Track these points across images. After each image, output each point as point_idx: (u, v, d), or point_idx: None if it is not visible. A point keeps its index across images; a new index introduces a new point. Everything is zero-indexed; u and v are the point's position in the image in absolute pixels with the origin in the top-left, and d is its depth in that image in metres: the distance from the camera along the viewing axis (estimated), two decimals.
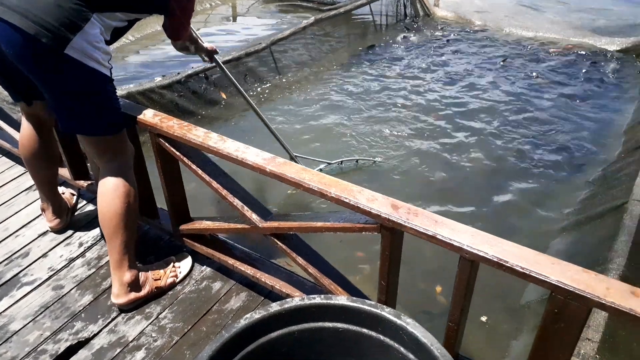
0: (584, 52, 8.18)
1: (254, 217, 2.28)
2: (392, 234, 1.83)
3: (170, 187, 2.60)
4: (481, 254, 1.61)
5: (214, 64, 3.27)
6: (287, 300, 2.00)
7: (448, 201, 4.44)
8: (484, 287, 2.66)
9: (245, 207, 2.30)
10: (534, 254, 1.60)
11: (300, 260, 2.24)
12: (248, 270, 2.55)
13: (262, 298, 2.62)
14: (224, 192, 2.34)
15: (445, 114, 6.07)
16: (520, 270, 1.55)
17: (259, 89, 6.34)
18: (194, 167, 2.39)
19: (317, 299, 2.01)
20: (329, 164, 4.80)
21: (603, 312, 2.48)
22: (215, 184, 2.36)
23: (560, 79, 7.17)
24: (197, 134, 2.25)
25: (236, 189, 2.38)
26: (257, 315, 1.85)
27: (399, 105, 6.25)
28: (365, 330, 2.02)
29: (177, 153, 2.39)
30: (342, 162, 4.94)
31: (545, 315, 1.59)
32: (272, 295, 2.58)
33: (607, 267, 2.76)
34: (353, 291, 2.24)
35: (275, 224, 2.23)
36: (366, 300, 1.98)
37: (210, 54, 3.22)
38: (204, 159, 2.46)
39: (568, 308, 1.52)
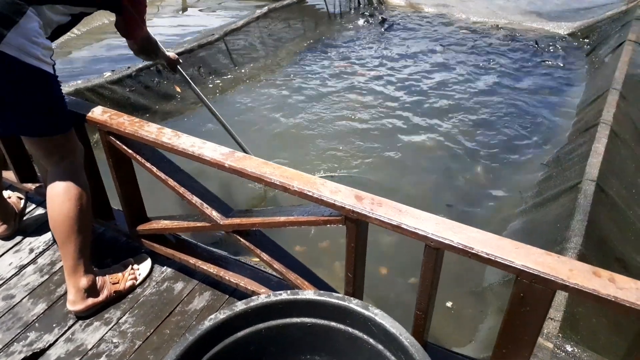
0: (533, 36, 8.41)
1: (214, 214, 2.21)
2: (357, 226, 1.80)
3: (124, 186, 2.49)
4: (446, 241, 1.60)
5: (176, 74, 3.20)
6: (253, 298, 1.95)
7: (403, 192, 4.45)
8: (447, 273, 2.69)
9: (205, 205, 2.23)
10: (497, 238, 1.60)
11: (264, 256, 2.19)
12: (211, 269, 2.48)
13: (227, 296, 2.55)
14: (181, 189, 2.25)
15: (398, 99, 6.11)
16: (486, 256, 1.55)
17: (213, 83, 6.14)
18: (148, 165, 2.28)
19: (284, 295, 1.97)
20: None
21: (563, 292, 2.55)
22: (171, 181, 2.27)
23: (509, 62, 7.34)
24: (150, 130, 2.15)
25: (194, 186, 2.30)
26: (221, 315, 1.79)
27: (354, 93, 6.24)
28: (333, 324, 2.00)
29: (130, 151, 2.28)
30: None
31: (512, 299, 1.60)
32: (237, 293, 2.52)
33: (565, 247, 2.84)
34: (320, 284, 2.21)
35: (236, 220, 2.16)
36: (333, 294, 1.95)
37: (173, 63, 3.12)
38: (159, 156, 2.35)
39: (533, 291, 1.53)
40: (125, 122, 2.20)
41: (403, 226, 1.67)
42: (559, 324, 2.31)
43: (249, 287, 2.37)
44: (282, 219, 2.01)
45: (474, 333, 2.93)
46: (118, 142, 2.28)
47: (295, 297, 1.99)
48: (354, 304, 1.90)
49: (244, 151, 3.94)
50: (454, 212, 4.10)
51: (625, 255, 3.23)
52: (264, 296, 1.95)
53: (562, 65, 7.36)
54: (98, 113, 2.29)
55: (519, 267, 1.51)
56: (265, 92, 6.07)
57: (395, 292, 3.35)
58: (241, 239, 2.21)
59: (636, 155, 4.39)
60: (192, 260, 2.52)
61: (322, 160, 4.81)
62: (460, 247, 1.59)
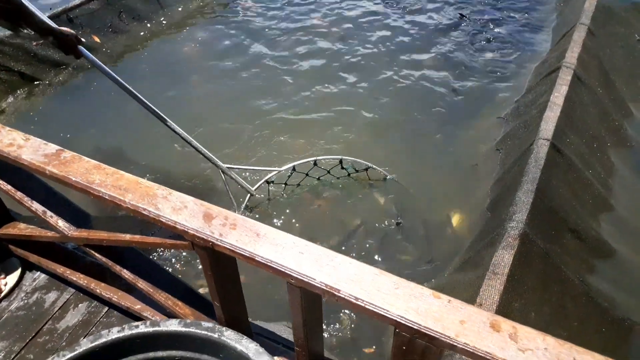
0: None
1: (61, 224, 1.78)
2: (207, 253, 1.39)
3: None
4: (306, 279, 1.21)
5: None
6: (102, 333, 1.60)
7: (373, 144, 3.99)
8: None
9: (49, 213, 1.79)
10: (375, 274, 1.21)
11: (126, 273, 1.79)
12: (81, 279, 2.08)
13: (106, 308, 2.17)
14: (18, 194, 1.81)
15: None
16: (354, 301, 1.17)
17: (138, 31, 5.28)
18: None
19: (142, 328, 1.61)
20: (279, 171, 3.40)
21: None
22: (4, 184, 1.81)
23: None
24: None
25: (36, 189, 1.85)
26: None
27: (316, 43, 5.55)
28: (205, 357, 1.66)
29: None
30: (294, 168, 3.44)
31: (394, 350, 1.23)
32: (115, 306, 2.13)
33: (506, 227, 2.47)
34: (199, 305, 1.83)
35: (85, 233, 1.74)
36: (203, 323, 1.59)
37: (66, 42, 2.37)
38: None
39: (415, 347, 1.16)
40: None
41: (257, 258, 1.27)
42: None
43: (122, 302, 1.98)
44: (128, 237, 1.59)
45: None
46: None
47: (155, 329, 1.63)
48: (225, 337, 1.56)
49: (209, 160, 3.06)
50: (409, 176, 3.63)
51: (580, 225, 2.89)
52: (116, 329, 1.59)
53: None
54: None
55: (395, 317, 1.13)
56: (202, 36, 5.35)
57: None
58: (96, 254, 1.80)
59: (601, 103, 3.97)
60: (60, 270, 2.12)
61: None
62: (324, 287, 1.20)
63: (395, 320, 1.13)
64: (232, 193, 3.27)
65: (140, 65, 4.93)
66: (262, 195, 3.52)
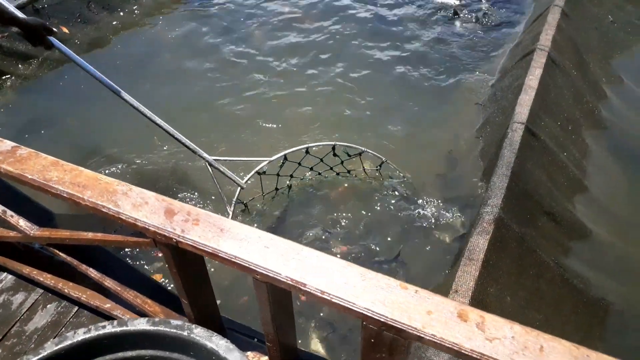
0: None
1: (22, 223, 1.72)
2: (170, 250, 1.34)
3: None
4: (271, 274, 1.18)
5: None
6: (67, 335, 1.55)
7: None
8: None
9: (9, 212, 1.73)
10: (341, 266, 1.18)
11: (92, 272, 1.74)
12: (48, 279, 2.02)
13: (76, 308, 2.11)
14: None
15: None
16: (320, 295, 1.14)
17: (109, 21, 5.08)
18: None
19: (109, 328, 1.57)
20: (270, 161, 3.18)
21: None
22: None
23: None
24: None
25: None
26: None
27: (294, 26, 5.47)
28: (176, 355, 1.62)
29: None
30: (285, 157, 3.23)
31: (363, 343, 1.21)
32: (85, 305, 2.08)
33: (482, 213, 2.47)
34: (169, 302, 1.79)
35: (47, 232, 1.68)
36: (172, 321, 1.55)
37: (35, 32, 2.22)
38: None
39: (384, 339, 1.14)
40: None
41: (221, 254, 1.23)
42: None
43: (91, 302, 1.93)
44: (90, 235, 1.54)
45: None
46: None
47: (123, 329, 1.58)
48: (195, 334, 1.52)
49: (192, 151, 2.85)
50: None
51: (555, 207, 2.91)
52: (82, 330, 1.55)
53: None
54: None
55: (361, 310, 1.10)
56: (175, 26, 5.21)
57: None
58: (61, 253, 1.75)
59: (575, 85, 3.99)
60: (27, 270, 2.06)
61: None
62: (290, 282, 1.17)
63: (362, 313, 1.11)
64: (220, 187, 3.02)
65: (111, 56, 4.80)
66: (255, 190, 3.34)
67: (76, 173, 1.42)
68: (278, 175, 3.32)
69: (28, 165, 1.44)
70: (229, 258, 1.22)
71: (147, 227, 1.29)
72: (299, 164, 3.35)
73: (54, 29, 2.38)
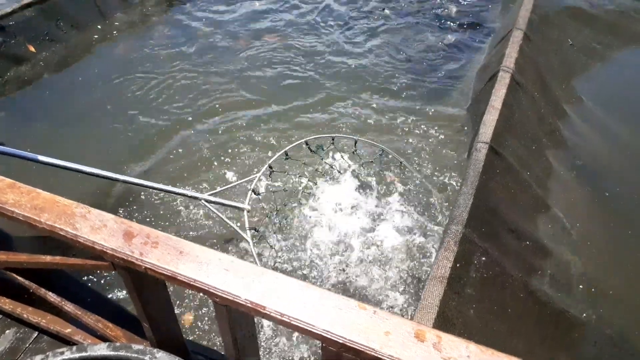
0: None
1: None
2: (129, 273, 1.33)
3: None
4: (231, 297, 1.17)
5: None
6: None
7: None
8: None
9: None
10: (300, 288, 1.19)
11: (51, 296, 1.70)
12: (9, 305, 1.96)
13: (36, 333, 2.06)
14: None
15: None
16: (280, 317, 1.14)
17: (77, 41, 4.99)
18: None
19: (67, 354, 1.52)
20: (259, 175, 3.14)
21: None
22: None
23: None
24: None
25: None
26: None
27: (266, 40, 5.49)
28: None
29: None
30: (286, 154, 3.32)
31: None
32: (45, 330, 2.02)
33: (447, 231, 2.52)
34: (132, 325, 1.75)
35: (3, 256, 1.64)
36: (133, 346, 1.51)
37: None
38: None
39: None
40: None
41: (180, 277, 1.22)
42: None
43: (51, 327, 1.88)
44: (49, 258, 1.51)
45: None
46: None
47: (82, 354, 1.55)
48: (157, 358, 1.49)
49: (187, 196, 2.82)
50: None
51: (519, 225, 2.98)
52: (39, 357, 1.50)
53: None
54: None
55: (320, 332, 1.11)
56: (144, 44, 5.16)
57: None
58: (18, 277, 1.70)
59: (538, 105, 4.12)
60: None
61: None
62: (250, 304, 1.16)
63: (321, 335, 1.11)
64: (227, 220, 2.89)
65: (80, 75, 4.74)
66: (263, 206, 3.39)
67: (33, 195, 1.40)
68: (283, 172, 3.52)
69: None
70: (188, 281, 1.21)
71: (105, 250, 1.27)
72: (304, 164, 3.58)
73: None
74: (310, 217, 3.39)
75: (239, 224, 2.96)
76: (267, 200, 3.48)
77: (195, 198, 2.85)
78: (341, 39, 5.77)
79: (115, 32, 5.45)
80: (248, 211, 2.97)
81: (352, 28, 6.06)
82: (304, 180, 3.67)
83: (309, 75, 5.00)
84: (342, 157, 3.84)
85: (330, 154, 3.87)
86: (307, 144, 3.43)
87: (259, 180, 3.16)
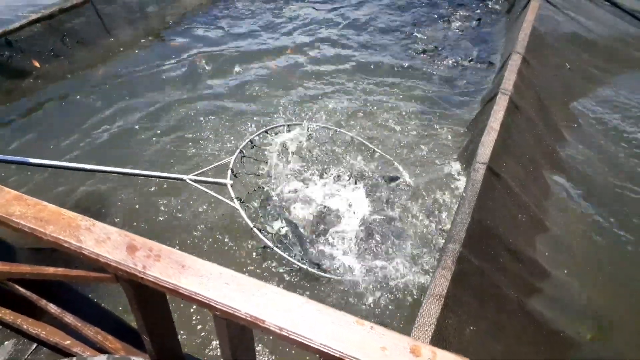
0: None
1: None
2: (131, 286, 1.35)
3: None
4: (231, 311, 1.20)
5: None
6: None
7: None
8: None
9: None
10: (299, 303, 1.21)
11: (52, 308, 1.72)
12: (9, 316, 1.98)
13: (35, 345, 2.07)
14: None
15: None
16: (278, 331, 1.16)
17: (82, 57, 5.09)
18: None
19: None
20: (240, 150, 3.45)
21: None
22: None
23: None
24: None
25: None
26: None
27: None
28: None
29: None
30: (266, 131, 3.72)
31: None
32: (44, 342, 2.04)
33: (445, 249, 2.55)
34: (131, 338, 1.77)
35: (6, 267, 1.66)
36: (132, 358, 1.54)
37: None
38: None
39: None
40: None
41: (181, 290, 1.25)
42: None
43: (51, 338, 1.90)
44: (52, 270, 1.54)
45: None
46: None
47: None
48: None
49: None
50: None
51: (517, 245, 3.00)
52: None
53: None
54: None
55: (318, 346, 1.13)
56: (148, 61, 5.23)
57: None
58: (20, 288, 1.73)
59: (536, 127, 4.18)
60: None
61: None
62: (249, 318, 1.19)
63: (319, 349, 1.14)
64: (213, 190, 3.12)
65: (84, 90, 4.80)
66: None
67: (40, 208, 1.43)
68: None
69: None
70: (190, 295, 1.24)
71: (109, 262, 1.30)
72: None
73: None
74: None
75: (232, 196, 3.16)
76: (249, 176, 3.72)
77: (180, 179, 3.07)
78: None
79: (121, 47, 5.54)
80: (231, 185, 3.23)
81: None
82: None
83: None
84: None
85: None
86: (308, 129, 3.84)
87: (240, 159, 3.46)
